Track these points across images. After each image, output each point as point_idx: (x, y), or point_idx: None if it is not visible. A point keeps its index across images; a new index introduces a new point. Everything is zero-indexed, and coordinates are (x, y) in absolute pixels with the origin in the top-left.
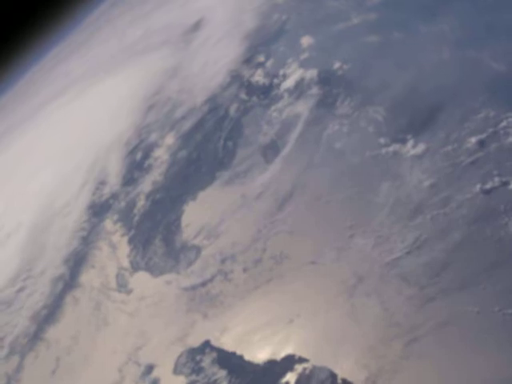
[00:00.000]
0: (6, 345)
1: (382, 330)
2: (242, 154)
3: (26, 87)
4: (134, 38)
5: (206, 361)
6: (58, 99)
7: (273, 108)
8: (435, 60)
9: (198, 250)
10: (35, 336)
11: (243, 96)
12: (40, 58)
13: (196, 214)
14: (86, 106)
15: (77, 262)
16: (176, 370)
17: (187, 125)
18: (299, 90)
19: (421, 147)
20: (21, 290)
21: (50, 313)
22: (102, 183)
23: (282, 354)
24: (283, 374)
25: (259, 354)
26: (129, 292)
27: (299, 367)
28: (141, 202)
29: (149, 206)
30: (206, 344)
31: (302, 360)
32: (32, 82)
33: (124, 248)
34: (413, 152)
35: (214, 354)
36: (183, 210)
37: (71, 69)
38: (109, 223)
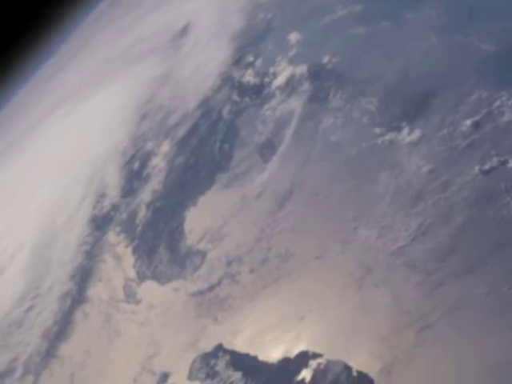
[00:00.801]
0: (19, 365)
1: (393, 320)
2: (238, 155)
3: (24, 100)
4: (123, 47)
5: (220, 364)
6: (55, 112)
7: (266, 107)
8: (424, 46)
9: (202, 254)
10: (48, 354)
11: (235, 97)
12: (37, 69)
13: (198, 219)
14: (80, 119)
15: (83, 276)
16: (191, 376)
17: (182, 131)
18: (290, 86)
19: (416, 134)
20: (30, 309)
21: (61, 329)
22: (102, 196)
23: (295, 352)
24: (298, 371)
25: (273, 354)
26: (137, 302)
27: (314, 363)
28: (142, 212)
29: (150, 215)
30: (219, 348)
31: (315, 355)
32: (30, 95)
33: (129, 259)
34: (409, 139)
35: (228, 357)
36: (185, 216)
37: (68, 79)
38: (112, 235)
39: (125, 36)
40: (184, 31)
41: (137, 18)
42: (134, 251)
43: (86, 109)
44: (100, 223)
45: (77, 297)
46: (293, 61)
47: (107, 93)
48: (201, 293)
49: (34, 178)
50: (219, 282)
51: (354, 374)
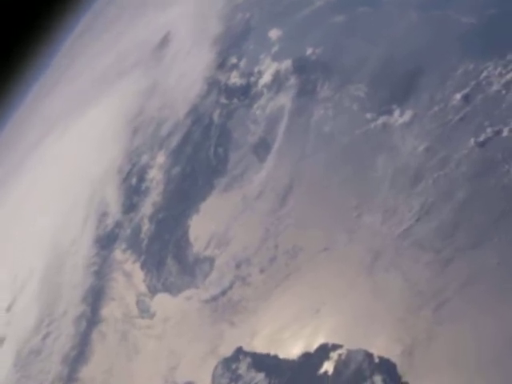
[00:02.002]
0: None
1: (407, 301)
2: (234, 157)
3: (13, 130)
4: (105, 65)
5: (242, 367)
6: (45, 140)
7: (255, 106)
8: (404, 26)
9: (211, 260)
10: (69, 378)
11: (224, 100)
12: (23, 97)
13: (202, 226)
14: (72, 142)
15: (95, 297)
16: (214, 383)
17: (175, 140)
18: (277, 83)
19: (408, 114)
20: (46, 336)
21: (80, 352)
22: (104, 215)
23: (315, 346)
24: (320, 364)
25: (293, 350)
26: (152, 316)
27: (334, 354)
28: (145, 226)
29: (154, 227)
30: (239, 351)
31: (335, 347)
32: (18, 124)
33: (138, 274)
34: (401, 121)
35: (249, 359)
36: (189, 225)
37: (54, 105)
38: (118, 253)
39: (106, 54)
40: (164, 42)
41: (116, 35)
42: (143, 266)
43: (77, 131)
44: (105, 242)
45: (91, 318)
46: (276, 57)
47: (96, 112)
48: (214, 299)
49: (33, 205)
50: (231, 286)
51: (376, 360)
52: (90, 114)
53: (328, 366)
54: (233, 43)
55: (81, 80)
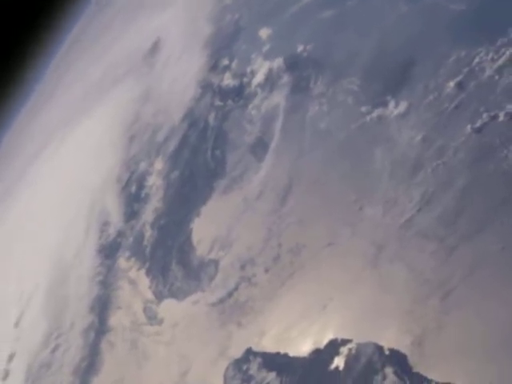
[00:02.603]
0: None
1: (414, 292)
2: (232, 159)
3: (9, 146)
4: (98, 75)
5: (253, 368)
6: (42, 152)
7: (250, 106)
8: (394, 17)
9: (215, 263)
10: None
11: (218, 102)
12: (17, 111)
13: (204, 229)
14: (69, 154)
15: (102, 307)
16: None
17: (172, 145)
18: (270, 82)
19: (403, 105)
20: (56, 348)
21: (90, 363)
22: (105, 224)
23: (324, 342)
24: (330, 360)
25: (302, 347)
26: (160, 322)
27: (344, 349)
28: (148, 233)
29: (156, 234)
30: (249, 352)
31: (345, 341)
32: (14, 139)
33: (144, 281)
34: (396, 112)
35: (259, 359)
36: (191, 229)
37: (49, 118)
38: (123, 261)
39: (98, 63)
40: (155, 48)
41: (107, 43)
42: (148, 273)
43: (73, 142)
44: (109, 252)
45: (99, 328)
46: (268, 56)
47: (91, 122)
48: (220, 301)
49: (34, 219)
50: (236, 287)
51: (386, 352)
52: (85, 124)
53: (339, 362)
54: (224, 45)
55: (75, 90)
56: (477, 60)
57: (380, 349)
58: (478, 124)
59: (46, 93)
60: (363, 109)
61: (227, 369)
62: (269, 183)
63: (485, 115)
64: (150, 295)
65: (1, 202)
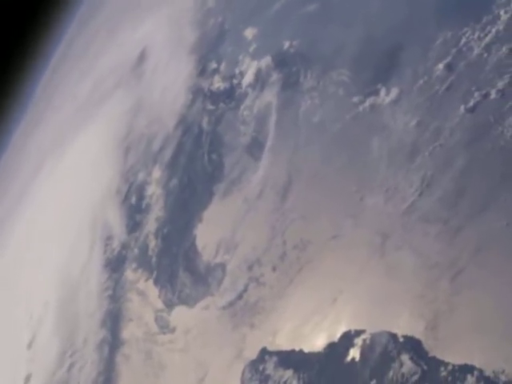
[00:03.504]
0: None
1: (423, 276)
2: (229, 161)
3: (5, 171)
4: (87, 91)
5: (270, 367)
6: (37, 176)
7: (242, 107)
8: (377, 5)
9: (222, 266)
10: None
11: (210, 106)
12: (9, 136)
13: (208, 234)
14: (65, 172)
15: (113, 320)
16: None
17: (168, 153)
18: (260, 81)
19: (394, 92)
20: (71, 366)
21: (107, 378)
22: (109, 238)
23: (338, 335)
24: (346, 352)
25: (317, 342)
26: (173, 330)
27: (359, 340)
28: (152, 243)
29: (161, 243)
30: (264, 352)
31: (358, 333)
32: (9, 164)
33: (153, 291)
34: (388, 99)
35: (275, 358)
36: (195, 235)
37: (42, 139)
38: (130, 273)
39: (86, 80)
40: (142, 58)
41: (92, 60)
42: (156, 282)
43: (69, 161)
44: (115, 265)
45: (113, 342)
46: (255, 55)
47: (85, 139)
48: (231, 304)
49: (37, 242)
50: (246, 289)
51: (401, 339)
52: (79, 141)
53: (354, 353)
54: (210, 48)
55: (66, 108)
56: (464, 40)
57: (394, 336)
58: (471, 103)
59: (37, 114)
60: (355, 99)
61: (244, 371)
62: (268, 182)
63: (477, 94)
64: (160, 304)
65: (1, 227)
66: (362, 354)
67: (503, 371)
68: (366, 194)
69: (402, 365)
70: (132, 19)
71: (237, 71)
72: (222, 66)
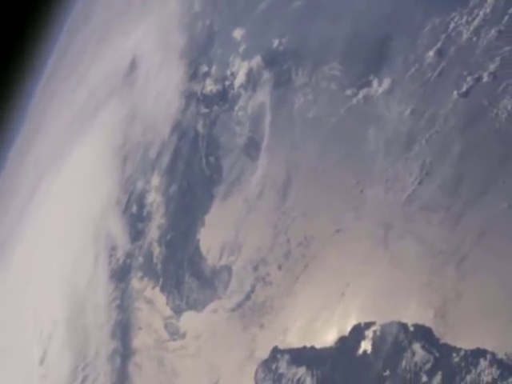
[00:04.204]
0: None
1: (428, 264)
2: (227, 163)
3: (3, 188)
4: (80, 103)
5: (282, 366)
6: (37, 192)
7: (236, 108)
8: None
9: (228, 269)
10: None
11: (204, 110)
12: (3, 159)
13: (211, 237)
14: (64, 186)
15: (123, 330)
16: None
17: (165, 160)
18: (252, 81)
19: (387, 82)
20: (84, 379)
21: None
22: (113, 249)
23: (348, 328)
24: (357, 345)
25: (328, 337)
26: (183, 336)
27: (369, 332)
28: (156, 250)
29: (165, 250)
30: (275, 351)
31: (368, 325)
32: (5, 187)
33: (160, 298)
34: (381, 90)
35: (287, 356)
36: (198, 239)
37: (38, 155)
38: (136, 282)
39: (78, 93)
40: (133, 66)
41: (84, 72)
42: (162, 289)
43: (67, 174)
44: (121, 275)
45: (124, 352)
46: (245, 56)
47: (81, 152)
48: (239, 305)
49: (41, 258)
50: (253, 289)
51: (411, 328)
52: (76, 154)
53: (366, 345)
54: (200, 52)
55: (60, 122)
56: (452, 25)
57: (404, 326)
58: (464, 88)
59: (32, 127)
60: (348, 92)
61: (257, 371)
62: (267, 181)
63: (469, 78)
64: (168, 311)
65: (4, 245)
66: (374, 345)
67: None
68: (366, 186)
69: (414, 354)
70: (121, 27)
71: (228, 73)
72: (213, 69)
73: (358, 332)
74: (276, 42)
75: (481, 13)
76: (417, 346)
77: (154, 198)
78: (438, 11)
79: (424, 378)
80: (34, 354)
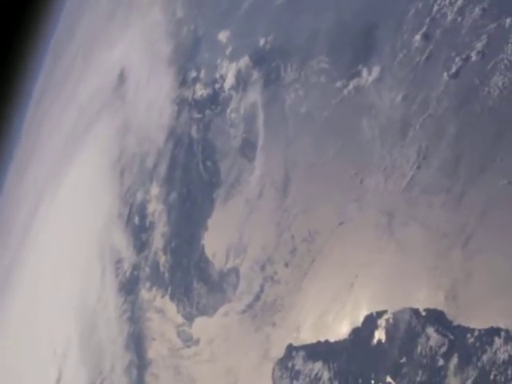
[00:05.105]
0: None
1: (434, 248)
2: (224, 166)
3: (2, 213)
4: (72, 121)
5: (298, 363)
6: (37, 214)
7: (228, 111)
8: None
9: (235, 271)
10: None
11: (196, 115)
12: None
13: (216, 241)
14: (64, 205)
15: (137, 342)
16: None
17: (163, 168)
18: (242, 82)
19: (376, 70)
20: None
21: None
22: (119, 262)
23: (360, 319)
24: (371, 335)
25: (341, 330)
26: (196, 342)
27: (382, 321)
28: (162, 259)
29: (170, 258)
30: (290, 348)
31: (380, 314)
32: (4, 212)
33: (170, 307)
34: (371, 78)
35: (302, 353)
36: (203, 244)
37: (34, 180)
38: (145, 293)
39: (69, 110)
40: (121, 78)
41: (73, 89)
42: (172, 298)
43: (66, 193)
44: (129, 287)
45: (140, 363)
46: (233, 57)
47: (78, 168)
48: (250, 306)
49: (48, 278)
50: (262, 289)
51: (423, 313)
52: (72, 172)
53: (379, 335)
54: (187, 58)
55: (54, 141)
56: (436, 7)
57: (416, 312)
58: (453, 69)
59: (26, 153)
60: (338, 84)
61: (273, 370)
62: (266, 180)
63: (457, 59)
64: (179, 319)
65: (9, 271)
66: (388, 334)
67: None
68: (365, 175)
69: (428, 338)
70: (106, 41)
71: (217, 76)
72: (202, 73)
73: (370, 322)
74: (262, 41)
75: None
76: (430, 331)
77: (155, 208)
78: None
79: (441, 362)
80: (51, 375)
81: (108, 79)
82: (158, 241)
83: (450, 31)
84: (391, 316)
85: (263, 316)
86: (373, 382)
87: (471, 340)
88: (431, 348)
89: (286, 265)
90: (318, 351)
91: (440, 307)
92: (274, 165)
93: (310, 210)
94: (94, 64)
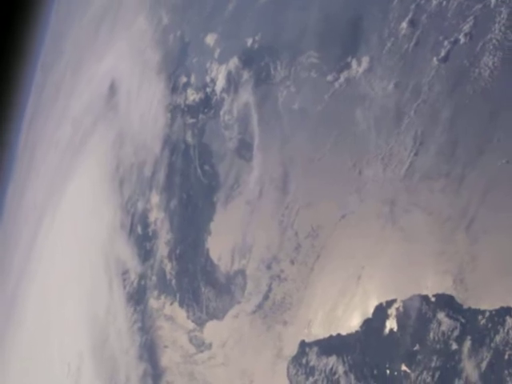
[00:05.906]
0: None
1: (439, 233)
2: (222, 169)
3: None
4: (66, 136)
5: (312, 358)
6: (39, 233)
7: (222, 113)
8: None
9: (242, 272)
10: None
11: (190, 120)
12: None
13: (220, 245)
14: (66, 221)
15: (150, 352)
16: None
17: (161, 176)
18: (233, 83)
19: (365, 61)
20: None
21: None
22: (125, 273)
23: (370, 310)
24: (383, 324)
25: (352, 323)
26: (209, 347)
27: (392, 310)
28: (168, 266)
29: (176, 264)
30: (303, 345)
31: (390, 303)
32: (6, 235)
33: (180, 313)
34: (361, 69)
35: (315, 348)
36: (207, 248)
37: (33, 199)
38: (153, 302)
39: (63, 125)
40: (113, 90)
41: (64, 104)
42: (181, 304)
43: (67, 209)
44: (137, 297)
45: (154, 372)
46: (222, 60)
47: (77, 183)
48: (259, 307)
49: (56, 296)
50: (270, 288)
51: (433, 299)
52: (71, 187)
53: (391, 324)
54: (176, 64)
55: (50, 158)
56: None
57: (426, 298)
58: (443, 53)
59: (23, 173)
60: (329, 77)
61: (288, 368)
62: (265, 179)
63: (446, 43)
64: (190, 325)
65: (17, 291)
66: (399, 322)
67: None
68: (364, 166)
69: (440, 323)
70: (93, 55)
71: (208, 79)
72: (192, 78)
73: (381, 312)
74: (250, 41)
75: None
76: (441, 316)
77: (157, 216)
78: None
79: (454, 346)
80: None
81: (99, 91)
82: (162, 248)
83: (435, 15)
84: (401, 304)
85: (273, 315)
86: (388, 371)
87: (483, 322)
88: (443, 333)
89: (292, 262)
90: (331, 345)
91: (449, 292)
92: (272, 163)
93: (312, 206)
94: (83, 77)
